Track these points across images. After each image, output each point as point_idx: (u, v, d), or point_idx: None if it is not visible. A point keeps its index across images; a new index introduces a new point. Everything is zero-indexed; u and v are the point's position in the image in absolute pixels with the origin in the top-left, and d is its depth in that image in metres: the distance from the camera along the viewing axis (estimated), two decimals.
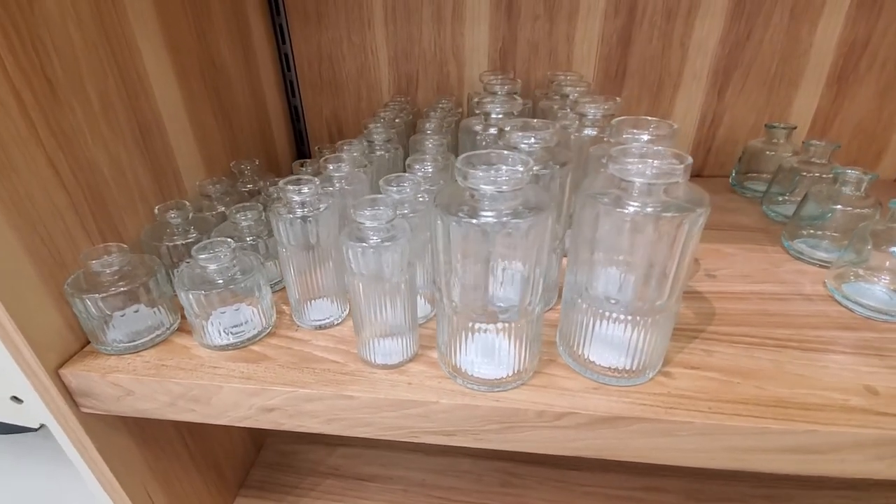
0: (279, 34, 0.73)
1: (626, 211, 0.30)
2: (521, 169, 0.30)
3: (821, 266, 0.49)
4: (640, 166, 0.30)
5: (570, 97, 0.56)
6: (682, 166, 0.30)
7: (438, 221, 0.31)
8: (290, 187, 0.37)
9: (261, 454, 0.70)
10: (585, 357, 0.36)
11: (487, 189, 0.30)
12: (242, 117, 0.65)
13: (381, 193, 0.38)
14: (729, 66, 0.68)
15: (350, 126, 0.80)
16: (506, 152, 0.32)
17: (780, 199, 0.60)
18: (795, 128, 0.65)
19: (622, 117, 0.39)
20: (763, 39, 0.66)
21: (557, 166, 0.39)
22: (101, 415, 0.40)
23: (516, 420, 0.34)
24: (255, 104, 0.69)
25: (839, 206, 0.49)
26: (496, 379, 0.35)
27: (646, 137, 0.37)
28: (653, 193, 0.30)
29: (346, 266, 0.34)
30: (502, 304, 0.34)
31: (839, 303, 0.44)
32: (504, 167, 0.32)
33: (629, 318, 0.33)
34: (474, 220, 0.30)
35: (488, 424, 0.34)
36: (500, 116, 0.49)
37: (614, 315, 0.34)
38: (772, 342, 0.39)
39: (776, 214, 0.60)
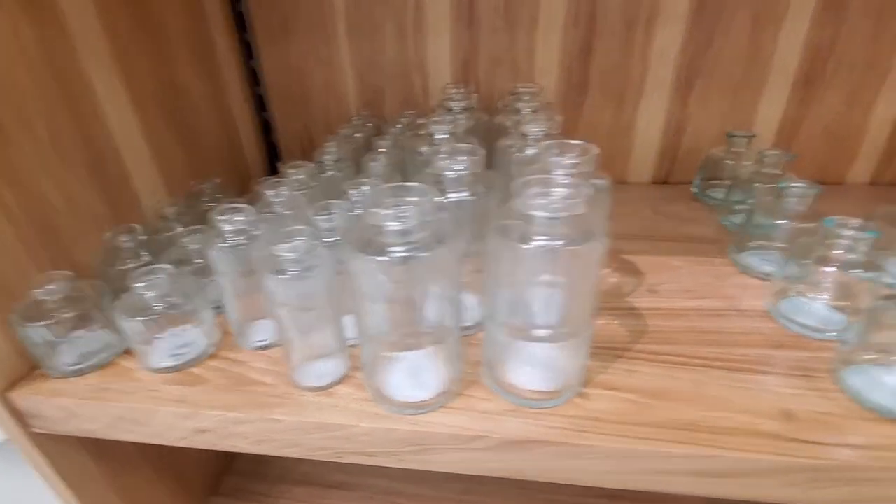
0: (247, 50, 0.74)
1: (525, 246, 0.31)
2: (426, 202, 0.31)
3: (767, 281, 0.49)
4: (540, 200, 0.31)
5: (522, 113, 0.56)
6: (580, 200, 0.30)
7: (347, 256, 0.32)
8: (220, 217, 0.39)
9: (235, 461, 0.73)
10: (502, 379, 0.37)
11: (392, 226, 0.31)
12: (208, 135, 0.67)
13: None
14: (691, 74, 0.67)
15: (321, 138, 0.81)
16: (414, 184, 0.33)
17: (737, 208, 0.60)
18: (755, 136, 0.64)
19: (548, 141, 0.40)
20: (724, 46, 0.65)
21: (484, 190, 0.40)
22: (53, 434, 0.43)
23: (431, 443, 0.35)
24: (221, 121, 0.70)
25: (785, 221, 0.49)
26: (417, 402, 0.36)
27: (569, 162, 0.37)
28: (554, 226, 0.31)
29: (267, 296, 0.36)
30: (417, 331, 0.35)
31: (775, 320, 0.44)
32: (412, 198, 0.32)
33: (538, 344, 0.34)
34: (379, 258, 0.31)
35: (406, 447, 0.36)
36: (446, 136, 0.49)
37: (524, 341, 0.34)
38: (697, 361, 0.39)
39: (732, 225, 0.60)
